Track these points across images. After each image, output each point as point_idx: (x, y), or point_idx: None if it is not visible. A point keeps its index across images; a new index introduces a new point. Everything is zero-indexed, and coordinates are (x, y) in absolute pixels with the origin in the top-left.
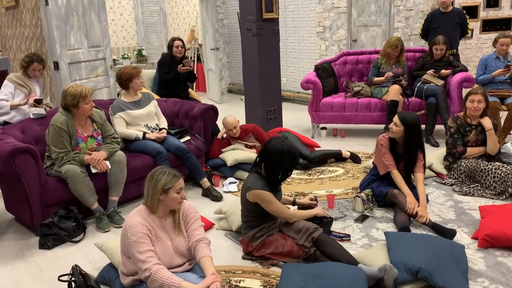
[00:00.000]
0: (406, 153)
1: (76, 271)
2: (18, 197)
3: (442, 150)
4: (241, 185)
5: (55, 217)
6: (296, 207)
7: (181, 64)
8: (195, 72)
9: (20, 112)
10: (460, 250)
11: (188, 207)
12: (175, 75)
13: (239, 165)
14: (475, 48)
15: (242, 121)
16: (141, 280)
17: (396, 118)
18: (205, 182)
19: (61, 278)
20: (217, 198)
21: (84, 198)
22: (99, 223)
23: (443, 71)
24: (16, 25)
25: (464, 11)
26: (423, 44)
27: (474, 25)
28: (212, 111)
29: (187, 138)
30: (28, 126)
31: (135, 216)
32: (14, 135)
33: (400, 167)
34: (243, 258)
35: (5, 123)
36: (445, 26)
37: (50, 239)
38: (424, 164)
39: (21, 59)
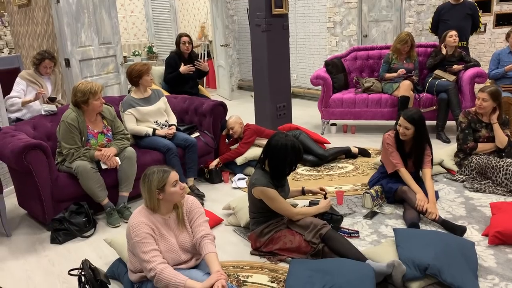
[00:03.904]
0: (415, 149)
1: (86, 266)
2: (30, 192)
3: (453, 146)
4: None
5: (66, 212)
6: (307, 203)
7: (190, 65)
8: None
9: (31, 109)
10: (470, 247)
11: (192, 202)
12: (177, 76)
13: (249, 162)
14: (488, 43)
15: (251, 118)
16: None
17: (403, 122)
18: (191, 180)
19: (71, 272)
20: (198, 197)
21: (95, 193)
22: (110, 218)
23: (455, 66)
24: (28, 22)
25: (476, 4)
26: (434, 39)
27: (487, 19)
28: (221, 108)
29: (196, 134)
30: (40, 123)
31: (138, 216)
32: (26, 131)
33: (408, 164)
34: (251, 253)
35: (18, 119)
36: (455, 18)
37: (62, 234)
38: (432, 159)
39: (33, 57)
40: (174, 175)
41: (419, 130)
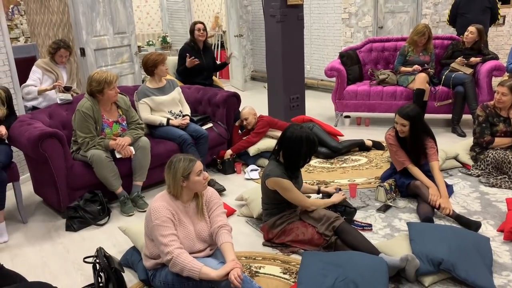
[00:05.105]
0: (414, 143)
1: (101, 254)
2: (46, 180)
3: (468, 141)
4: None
5: (81, 200)
6: (320, 195)
7: (193, 57)
8: (218, 60)
9: (47, 98)
10: (484, 243)
11: (211, 193)
12: (187, 68)
13: (262, 153)
14: (507, 36)
15: (264, 109)
16: (163, 264)
17: (399, 119)
18: None
19: (86, 259)
20: (218, 190)
21: (109, 182)
22: (123, 207)
23: (472, 59)
24: (44, 11)
25: None
26: (451, 32)
27: (506, 11)
28: (234, 98)
29: (210, 125)
30: (55, 111)
31: (160, 200)
32: (42, 119)
33: (412, 158)
34: (264, 244)
35: (33, 108)
36: (473, 11)
37: (76, 221)
38: (437, 150)
39: (49, 45)
40: (199, 165)
41: (414, 125)
